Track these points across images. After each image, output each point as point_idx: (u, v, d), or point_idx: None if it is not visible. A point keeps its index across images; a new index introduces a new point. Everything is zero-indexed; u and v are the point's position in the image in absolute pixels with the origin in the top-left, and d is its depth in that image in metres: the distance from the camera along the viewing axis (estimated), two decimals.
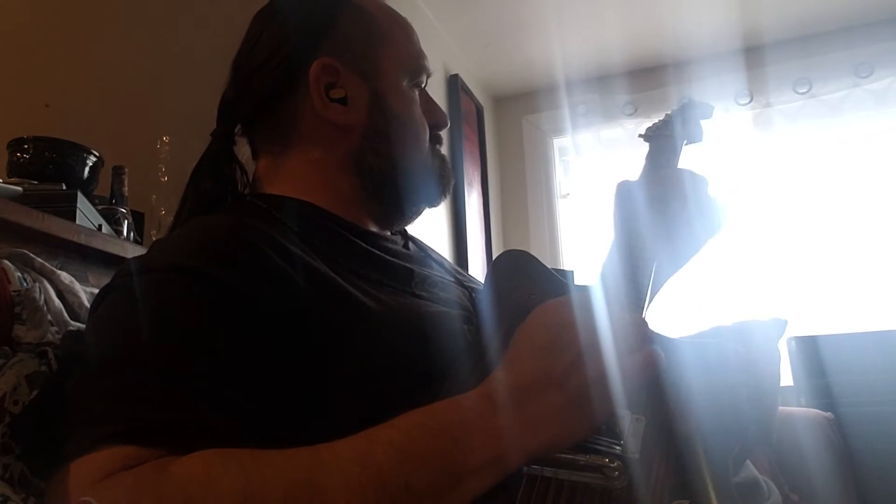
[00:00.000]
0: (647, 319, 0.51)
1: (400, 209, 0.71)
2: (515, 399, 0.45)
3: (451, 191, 0.75)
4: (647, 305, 0.58)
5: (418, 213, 0.74)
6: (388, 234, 0.74)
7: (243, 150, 0.74)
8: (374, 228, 0.71)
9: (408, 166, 0.69)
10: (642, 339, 0.47)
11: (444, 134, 0.77)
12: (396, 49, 0.71)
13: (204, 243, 0.55)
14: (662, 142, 0.78)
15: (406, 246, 0.75)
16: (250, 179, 0.73)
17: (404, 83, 0.70)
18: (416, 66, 0.72)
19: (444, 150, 0.76)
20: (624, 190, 0.73)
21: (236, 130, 0.72)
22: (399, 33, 0.72)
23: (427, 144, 0.72)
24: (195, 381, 0.46)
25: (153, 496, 0.40)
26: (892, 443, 1.64)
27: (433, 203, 0.74)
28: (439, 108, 0.76)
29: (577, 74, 2.48)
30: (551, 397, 0.45)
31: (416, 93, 0.72)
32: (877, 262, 2.19)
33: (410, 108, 0.70)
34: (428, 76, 0.74)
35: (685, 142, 0.80)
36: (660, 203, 0.70)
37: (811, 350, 1.84)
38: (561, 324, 0.47)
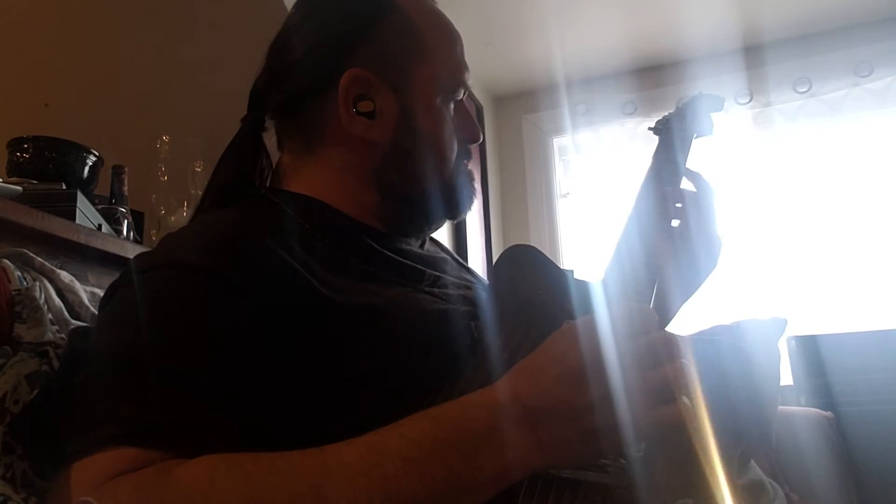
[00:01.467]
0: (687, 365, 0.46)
1: (418, 225, 0.70)
2: (530, 420, 0.44)
3: (472, 207, 0.72)
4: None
5: (438, 227, 0.73)
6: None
7: (273, 136, 0.72)
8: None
9: (430, 187, 0.67)
10: (675, 392, 0.44)
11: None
12: (435, 64, 0.68)
13: (212, 241, 0.54)
14: (672, 135, 0.77)
15: (422, 246, 0.74)
16: (274, 170, 0.72)
17: (438, 99, 0.67)
18: (453, 82, 0.69)
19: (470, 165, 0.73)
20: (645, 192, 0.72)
21: (266, 117, 0.71)
22: (441, 46, 0.69)
23: (453, 163, 0.69)
24: (199, 382, 0.46)
25: (156, 501, 0.40)
26: (893, 442, 1.64)
27: (454, 219, 0.72)
28: (474, 122, 0.72)
29: (577, 74, 2.47)
30: (565, 427, 0.44)
31: (451, 107, 0.69)
32: (877, 262, 2.19)
33: (440, 127, 0.67)
34: (466, 91, 0.71)
35: (695, 135, 0.79)
36: (664, 219, 0.69)
37: (811, 349, 1.84)
38: (592, 353, 0.44)
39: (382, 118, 0.65)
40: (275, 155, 0.73)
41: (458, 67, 0.70)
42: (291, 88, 0.67)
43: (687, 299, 0.73)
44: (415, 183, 0.67)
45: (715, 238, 0.71)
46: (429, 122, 0.67)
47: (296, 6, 0.71)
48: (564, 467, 0.46)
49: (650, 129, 0.80)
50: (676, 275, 0.68)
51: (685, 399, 0.43)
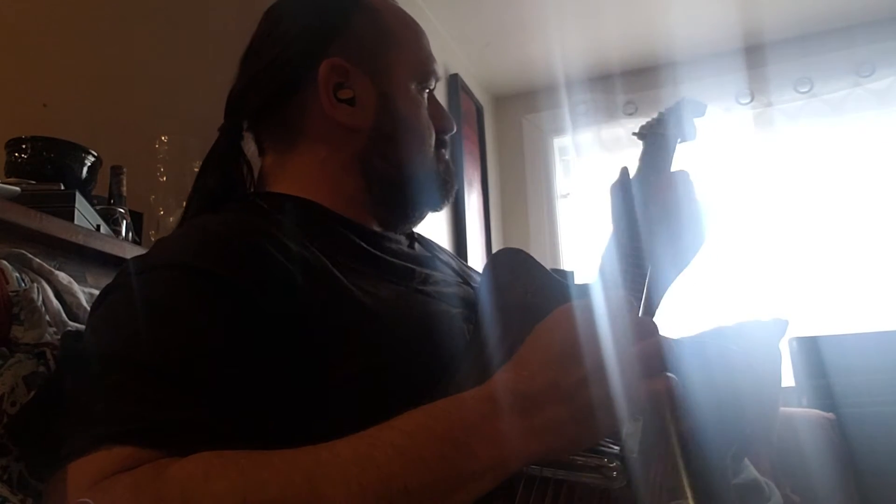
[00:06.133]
0: (670, 342, 0.48)
1: (404, 213, 0.71)
2: (521, 406, 0.44)
3: (453, 196, 0.75)
4: (642, 303, 0.58)
5: (422, 217, 0.74)
6: (392, 234, 0.73)
7: (250, 145, 0.73)
8: (377, 228, 0.71)
9: (413, 171, 0.69)
10: (659, 366, 0.45)
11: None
12: (407, 53, 0.70)
13: (205, 242, 0.54)
14: (656, 140, 0.79)
15: (411, 246, 0.75)
16: (256, 176, 0.72)
17: (412, 87, 0.70)
18: (425, 70, 0.72)
19: (448, 155, 0.75)
20: (617, 192, 0.74)
21: (244, 126, 0.72)
22: (410, 37, 0.72)
23: (432, 149, 0.71)
24: (194, 381, 0.46)
25: (151, 498, 0.40)
26: (894, 443, 1.64)
27: (436, 208, 0.74)
28: (446, 113, 0.75)
29: (577, 74, 2.47)
30: (557, 409, 0.44)
31: (425, 97, 0.72)
32: (878, 263, 2.18)
33: (418, 112, 0.70)
34: (437, 81, 0.74)
35: (679, 140, 0.80)
36: (656, 208, 0.70)
37: (812, 351, 1.84)
38: (576, 335, 0.45)
39: (362, 104, 0.67)
40: (255, 163, 0.73)
41: (428, 57, 0.73)
42: (270, 88, 0.68)
43: (679, 274, 0.73)
44: (397, 168, 0.68)
45: (697, 207, 0.72)
46: (407, 107, 0.69)
47: (264, 16, 0.73)
48: (561, 455, 0.46)
49: (634, 134, 0.82)
50: (665, 254, 0.69)
51: (670, 374, 0.45)
